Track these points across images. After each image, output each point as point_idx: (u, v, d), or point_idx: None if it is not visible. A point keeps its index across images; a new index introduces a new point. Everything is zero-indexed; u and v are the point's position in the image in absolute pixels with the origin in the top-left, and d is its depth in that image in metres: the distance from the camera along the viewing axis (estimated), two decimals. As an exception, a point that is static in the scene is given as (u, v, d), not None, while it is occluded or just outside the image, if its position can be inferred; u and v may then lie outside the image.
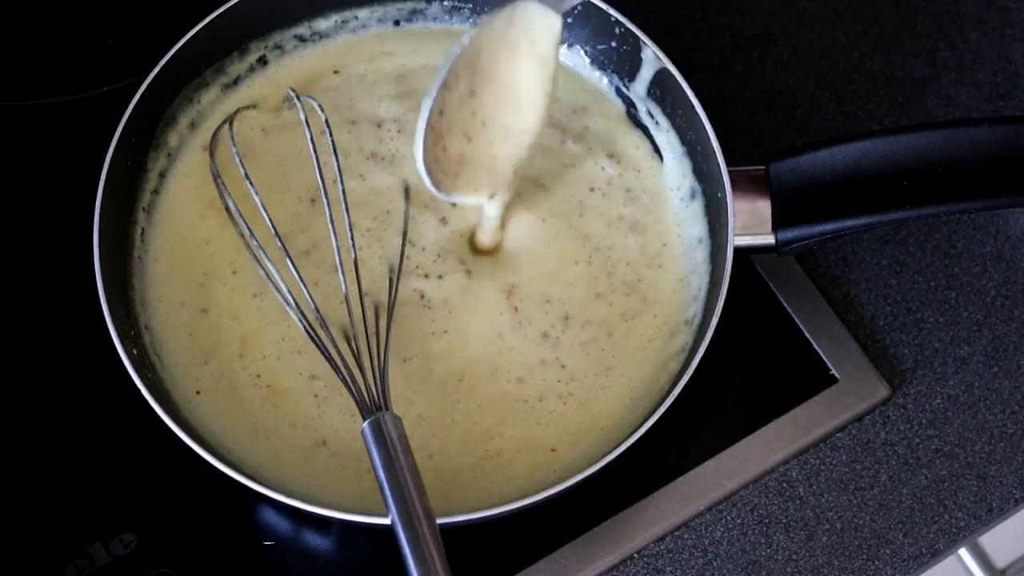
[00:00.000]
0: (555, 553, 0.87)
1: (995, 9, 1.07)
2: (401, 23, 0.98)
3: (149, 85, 0.90)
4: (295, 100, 0.91)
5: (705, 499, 0.89)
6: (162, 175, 0.93)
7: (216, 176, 0.89)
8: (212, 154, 0.91)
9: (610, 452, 0.82)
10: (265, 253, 0.86)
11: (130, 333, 0.86)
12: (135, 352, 0.84)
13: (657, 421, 0.82)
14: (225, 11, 0.93)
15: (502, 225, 0.91)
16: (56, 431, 0.90)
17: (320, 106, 0.91)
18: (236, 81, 0.95)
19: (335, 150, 0.89)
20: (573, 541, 0.87)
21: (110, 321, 0.83)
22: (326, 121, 0.90)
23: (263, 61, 0.96)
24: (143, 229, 0.91)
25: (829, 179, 0.88)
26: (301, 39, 0.97)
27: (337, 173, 0.88)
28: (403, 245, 0.90)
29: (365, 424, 0.79)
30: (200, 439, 0.82)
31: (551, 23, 0.85)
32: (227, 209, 0.89)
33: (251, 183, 0.87)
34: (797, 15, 1.07)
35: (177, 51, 0.91)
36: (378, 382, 0.82)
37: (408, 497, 0.77)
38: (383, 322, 0.87)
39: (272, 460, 0.85)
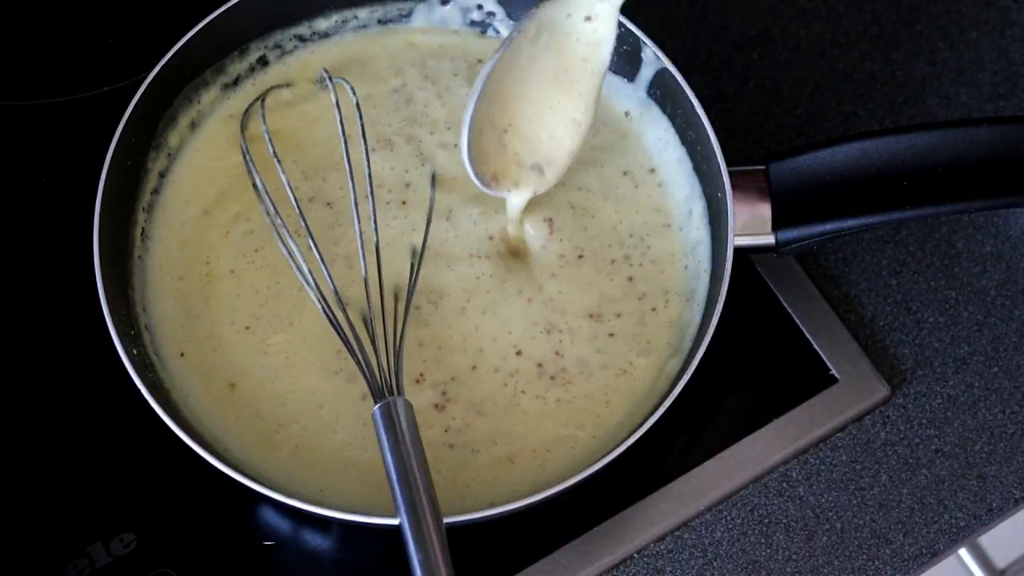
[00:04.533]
0: (555, 553, 0.87)
1: (995, 9, 1.07)
2: (401, 23, 0.98)
3: (149, 85, 0.90)
4: (327, 81, 0.92)
5: (705, 499, 0.89)
6: (162, 175, 0.93)
7: (245, 152, 0.90)
8: (243, 129, 0.91)
9: (610, 452, 0.82)
10: (288, 231, 0.87)
11: (130, 333, 0.86)
12: (135, 352, 0.84)
13: (657, 421, 0.82)
14: (225, 11, 0.93)
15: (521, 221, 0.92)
16: (56, 431, 0.90)
17: (352, 88, 0.92)
18: (236, 81, 0.95)
19: (364, 133, 0.90)
20: (573, 541, 0.87)
21: (110, 321, 0.83)
22: (356, 104, 0.91)
23: (263, 61, 0.96)
24: (143, 229, 0.91)
25: (829, 179, 0.88)
26: (301, 39, 0.97)
27: (364, 156, 0.89)
28: (426, 232, 0.90)
29: (376, 408, 0.80)
30: (200, 439, 0.82)
31: (601, 9, 0.88)
32: (254, 186, 0.90)
33: (278, 161, 0.88)
34: (797, 15, 1.07)
35: (177, 51, 0.91)
36: (392, 367, 0.83)
37: (413, 483, 0.77)
38: (401, 307, 0.87)
39: (272, 459, 0.86)
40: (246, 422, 0.86)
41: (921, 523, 0.89)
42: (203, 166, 0.93)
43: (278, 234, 0.88)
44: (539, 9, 0.88)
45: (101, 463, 0.89)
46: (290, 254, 0.87)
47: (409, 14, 0.98)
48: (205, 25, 0.92)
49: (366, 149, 0.90)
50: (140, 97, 0.90)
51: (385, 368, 0.83)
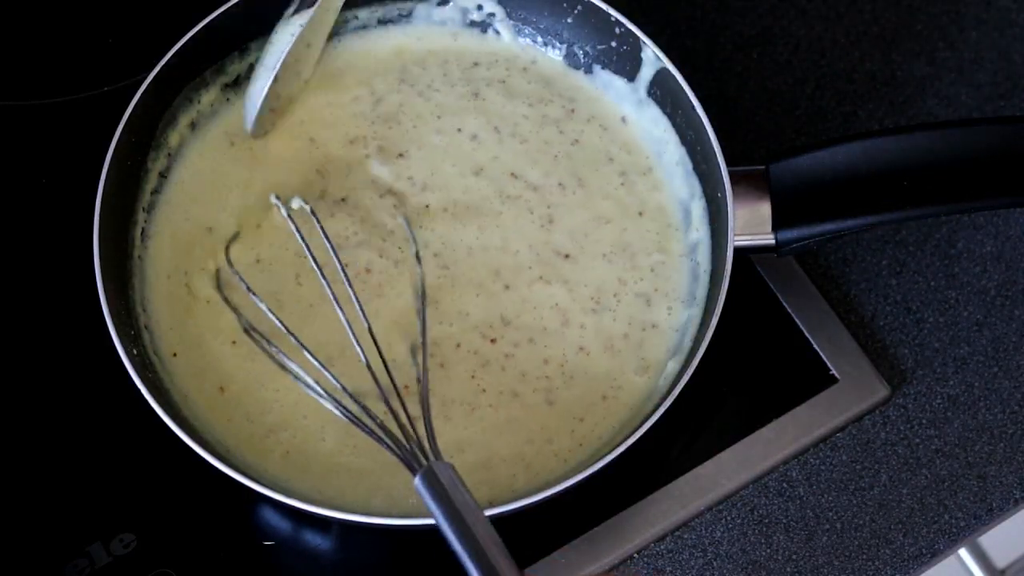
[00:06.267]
0: (555, 553, 0.87)
1: (995, 9, 1.07)
2: (401, 23, 0.98)
3: (149, 85, 0.90)
4: (280, 208, 0.89)
5: (705, 499, 0.89)
6: (162, 175, 0.93)
7: (225, 300, 0.88)
8: (220, 288, 0.89)
9: (610, 452, 0.82)
10: (279, 349, 0.85)
11: (130, 333, 0.86)
12: (135, 352, 0.84)
13: (657, 421, 0.82)
14: (225, 11, 0.93)
15: None
16: (56, 431, 0.90)
17: (312, 209, 0.89)
18: (236, 81, 0.95)
19: (332, 247, 0.87)
20: (573, 541, 0.87)
21: (110, 321, 0.83)
22: (311, 211, 0.88)
23: (263, 61, 0.96)
24: (143, 229, 0.91)
25: (829, 179, 0.88)
26: (301, 39, 0.97)
27: (334, 258, 0.86)
28: (422, 285, 0.89)
29: (417, 479, 0.74)
30: (200, 439, 0.82)
31: None
32: (245, 330, 0.87)
33: (256, 295, 0.86)
34: (797, 15, 1.07)
35: (177, 51, 0.91)
36: (425, 432, 0.79)
37: (484, 549, 0.70)
38: (420, 364, 0.85)
39: (265, 463, 0.85)
40: (238, 424, 0.86)
41: (921, 523, 0.89)
42: (203, 167, 0.93)
43: (273, 359, 0.86)
44: None
45: (101, 463, 0.89)
46: (296, 376, 0.85)
47: (409, 14, 0.98)
48: (205, 25, 0.92)
49: (334, 252, 0.86)
50: (140, 97, 0.90)
51: (413, 436, 0.78)
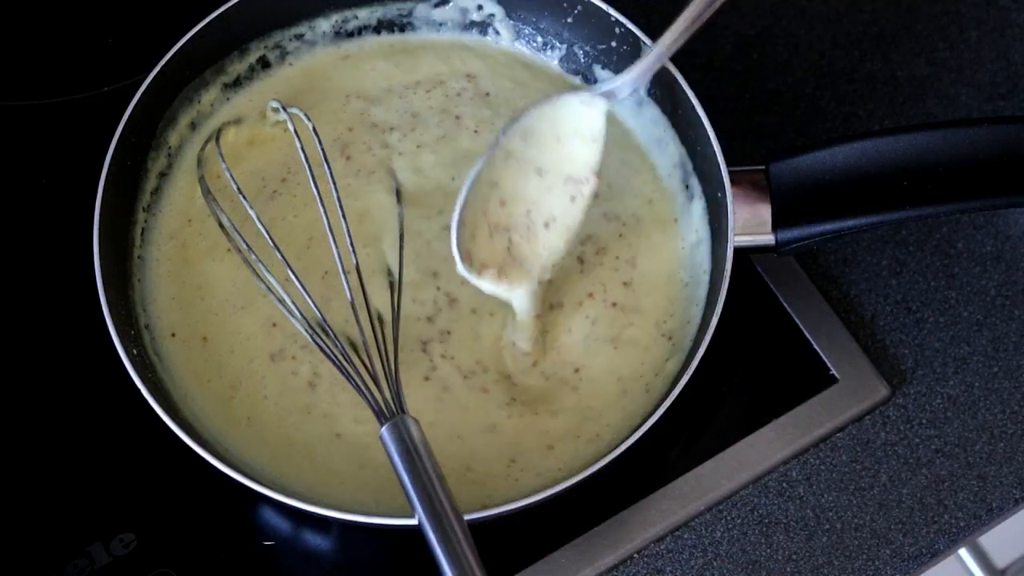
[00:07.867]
0: (555, 553, 0.87)
1: (995, 9, 1.07)
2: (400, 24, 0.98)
3: (149, 85, 0.90)
4: (281, 111, 0.91)
5: (705, 499, 0.89)
6: (162, 175, 0.93)
7: (207, 193, 0.89)
8: (201, 175, 0.90)
9: (610, 452, 0.82)
10: (265, 266, 0.86)
11: (130, 333, 0.86)
12: (135, 352, 0.84)
13: (657, 421, 0.82)
14: (225, 11, 0.93)
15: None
16: (56, 431, 0.90)
17: (306, 115, 0.91)
18: (236, 81, 0.96)
19: (326, 158, 0.88)
20: (573, 541, 0.87)
21: (110, 321, 0.83)
22: (314, 129, 0.90)
23: (263, 61, 0.96)
24: (143, 229, 0.91)
25: (829, 179, 0.88)
26: (301, 39, 0.97)
27: (330, 180, 0.87)
28: (401, 249, 0.90)
29: (383, 429, 0.79)
30: (200, 438, 0.82)
31: (593, 117, 0.87)
32: (220, 225, 0.88)
33: (244, 197, 0.86)
34: (797, 15, 1.07)
35: (177, 51, 0.91)
36: (392, 387, 0.82)
37: (435, 497, 0.76)
38: (389, 328, 0.86)
39: (268, 456, 0.86)
40: (215, 389, 0.86)
41: (921, 523, 0.90)
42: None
43: (254, 271, 0.86)
44: (523, 116, 0.87)
45: (101, 463, 0.89)
46: (270, 289, 0.86)
47: (409, 14, 0.98)
48: (205, 25, 0.92)
49: (330, 173, 0.87)
50: (140, 97, 0.90)
51: (385, 389, 0.82)
